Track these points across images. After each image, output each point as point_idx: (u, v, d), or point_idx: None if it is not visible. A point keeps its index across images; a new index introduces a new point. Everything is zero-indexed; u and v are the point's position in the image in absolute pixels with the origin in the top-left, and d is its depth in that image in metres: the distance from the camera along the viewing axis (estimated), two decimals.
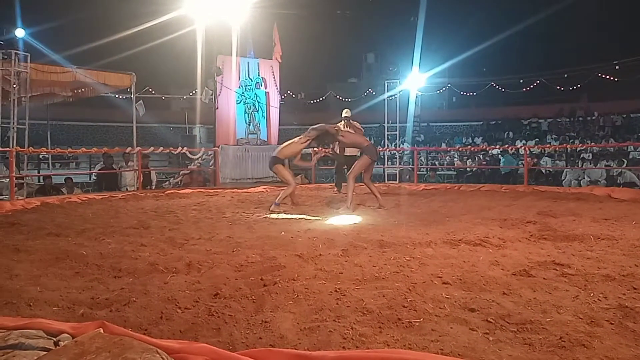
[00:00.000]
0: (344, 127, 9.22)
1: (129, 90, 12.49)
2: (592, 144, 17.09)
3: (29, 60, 9.98)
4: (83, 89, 12.59)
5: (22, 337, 1.98)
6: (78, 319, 2.50)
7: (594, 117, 23.18)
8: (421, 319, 2.50)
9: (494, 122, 25.49)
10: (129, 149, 11.48)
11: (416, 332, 2.35)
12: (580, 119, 23.73)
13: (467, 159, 19.69)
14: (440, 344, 2.18)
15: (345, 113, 9.85)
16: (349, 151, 9.63)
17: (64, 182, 11.62)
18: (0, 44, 9.80)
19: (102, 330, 2.04)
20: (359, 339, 2.26)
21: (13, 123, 9.96)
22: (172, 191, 10.53)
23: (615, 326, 2.38)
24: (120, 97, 18.78)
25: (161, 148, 12.23)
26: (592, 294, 2.84)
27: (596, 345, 2.15)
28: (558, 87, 22.84)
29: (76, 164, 19.79)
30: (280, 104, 15.31)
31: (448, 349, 2.13)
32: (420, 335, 2.31)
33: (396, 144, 17.18)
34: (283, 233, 5.12)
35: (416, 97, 19.25)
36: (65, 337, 2.06)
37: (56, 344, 2.02)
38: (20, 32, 13.21)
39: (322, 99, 27.98)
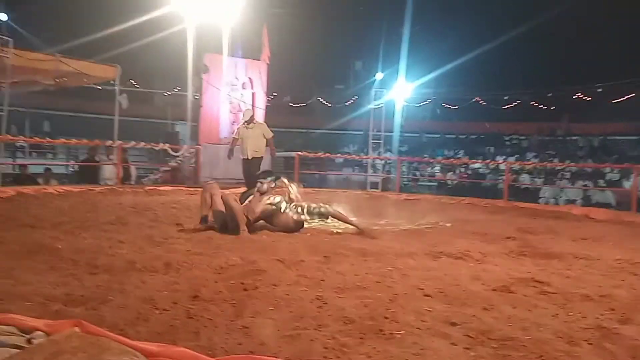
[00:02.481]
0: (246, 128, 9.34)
1: (112, 82, 12.30)
2: (571, 163, 17.41)
3: (11, 46, 9.74)
4: (66, 79, 12.35)
5: None
6: (52, 316, 2.41)
7: (573, 137, 23.67)
8: (403, 331, 2.48)
9: (476, 136, 25.84)
10: (110, 142, 11.30)
11: (398, 344, 2.33)
12: (560, 138, 24.19)
13: (449, 171, 19.90)
14: (422, 358, 2.17)
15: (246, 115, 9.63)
16: (255, 152, 9.38)
17: (42, 172, 11.36)
18: None
19: (78, 329, 1.97)
20: (341, 349, 2.23)
21: None
22: (151, 187, 10.38)
23: (593, 346, 2.39)
24: (104, 88, 18.47)
25: (142, 143, 12.06)
26: (571, 313, 2.87)
27: None
28: (540, 106, 23.27)
29: (54, 154, 19.38)
30: (266, 105, 15.26)
31: None
32: (402, 347, 2.29)
33: (379, 152, 17.24)
34: (264, 236, 5.07)
35: (402, 107, 19.37)
36: (39, 335, 1.98)
37: (29, 341, 1.95)
38: (2, 16, 12.90)
39: (308, 103, 27.97)
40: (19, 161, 13.91)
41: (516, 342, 2.38)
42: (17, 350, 1.81)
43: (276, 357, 2.00)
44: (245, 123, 9.43)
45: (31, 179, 10.74)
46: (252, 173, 9.10)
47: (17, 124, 15.01)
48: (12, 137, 10.17)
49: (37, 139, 11.88)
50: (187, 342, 2.20)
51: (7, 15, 12.46)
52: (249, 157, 9.39)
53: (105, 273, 3.35)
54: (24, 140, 12.09)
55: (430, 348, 2.29)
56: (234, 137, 9.72)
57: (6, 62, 9.66)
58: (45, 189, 8.77)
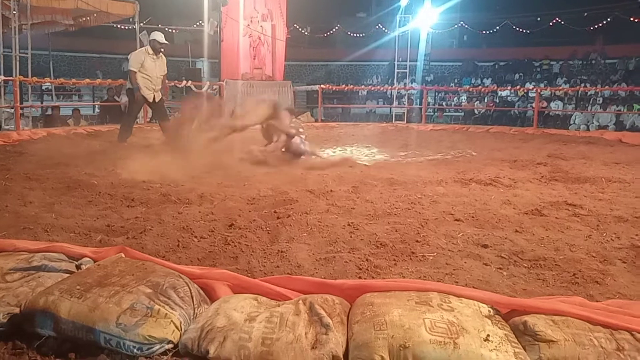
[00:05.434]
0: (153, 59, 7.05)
1: (131, 20, 12.09)
2: (604, 87, 16.68)
3: None
4: (85, 18, 12.19)
5: (45, 260, 2.01)
6: (96, 245, 2.53)
7: (608, 60, 22.57)
8: (435, 253, 2.53)
9: (504, 63, 24.86)
10: None
11: (430, 265, 2.39)
12: (593, 62, 23.09)
13: (476, 100, 19.38)
14: (455, 277, 2.22)
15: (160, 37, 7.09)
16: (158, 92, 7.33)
17: (71, 113, 11.52)
18: None
19: (123, 255, 2.06)
20: (375, 270, 2.29)
21: (15, 52, 9.71)
22: None
23: (627, 265, 2.40)
24: (124, 27, 18.24)
25: (166, 81, 11.99)
26: (604, 234, 2.86)
27: (609, 282, 2.19)
28: (574, 28, 22.02)
29: (79, 95, 19.54)
30: (286, 37, 14.89)
31: (463, 281, 2.17)
32: (435, 268, 2.34)
33: (405, 83, 16.84)
34: (292, 169, 5.12)
35: (427, 34, 18.63)
36: (87, 261, 2.09)
37: (78, 267, 2.05)
38: None
39: (329, 33, 27.11)
40: (46, 103, 14.11)
41: (549, 262, 2.41)
42: (68, 275, 1.92)
43: (314, 277, 2.07)
44: (153, 52, 7.05)
45: (62, 121, 10.92)
46: (159, 118, 7.61)
47: (40, 67, 15.09)
48: (38, 80, 10.22)
49: (62, 80, 11.93)
50: (227, 266, 2.30)
51: None
52: (155, 100, 7.28)
53: (142, 206, 3.46)
54: (49, 82, 12.14)
55: (462, 268, 2.33)
56: (132, 70, 7.00)
57: (25, 2, 9.56)
58: (75, 129, 8.93)
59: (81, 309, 1.58)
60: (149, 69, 7.01)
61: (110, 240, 2.69)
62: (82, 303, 1.59)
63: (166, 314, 1.55)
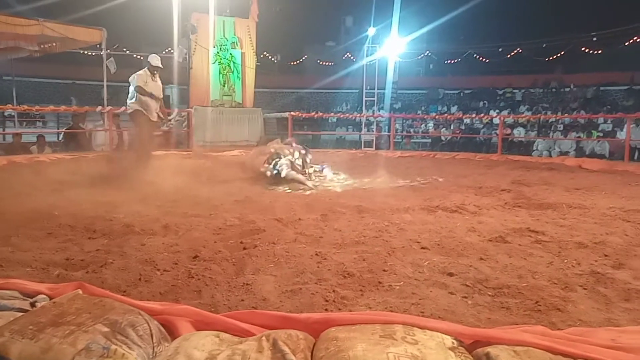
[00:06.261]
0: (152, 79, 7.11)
1: (98, 46, 11.99)
2: (564, 115, 17.38)
3: None
4: (51, 44, 12.01)
5: None
6: (54, 280, 2.44)
7: (567, 89, 23.53)
8: (401, 283, 2.53)
9: (469, 91, 25.62)
10: (100, 108, 11.12)
11: (397, 295, 2.38)
12: (554, 90, 24.02)
13: (442, 127, 19.83)
14: (421, 307, 2.22)
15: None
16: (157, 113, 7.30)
17: (35, 140, 11.21)
18: None
19: (80, 292, 1.99)
20: (341, 302, 2.27)
21: None
22: None
23: (588, 291, 2.45)
24: (90, 53, 18.04)
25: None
26: (565, 261, 2.92)
27: (570, 309, 2.22)
28: (534, 58, 22.95)
29: (43, 122, 19.09)
30: (256, 65, 14.99)
31: (429, 311, 2.17)
32: (401, 298, 2.34)
33: (374, 110, 17.10)
34: (262, 197, 5.08)
35: (395, 63, 19.08)
36: (43, 298, 2.00)
37: (32, 305, 1.97)
38: None
39: (299, 61, 27.47)
40: (9, 131, 13.73)
41: (512, 290, 2.44)
42: (21, 314, 1.83)
43: (278, 312, 2.03)
44: (151, 74, 7.10)
45: (24, 149, 10.62)
46: (147, 140, 7.33)
47: (3, 93, 14.73)
48: (0, 107, 9.95)
49: (25, 107, 11.66)
50: (190, 301, 2.24)
51: None
52: (154, 119, 7.21)
53: (104, 237, 3.37)
54: (12, 109, 11.85)
55: (428, 298, 2.34)
56: (140, 86, 6.96)
57: None
58: (37, 157, 8.69)
59: (33, 351, 1.50)
60: (152, 89, 7.05)
61: (69, 274, 2.59)
62: (35, 344, 1.52)
63: (123, 354, 1.49)
